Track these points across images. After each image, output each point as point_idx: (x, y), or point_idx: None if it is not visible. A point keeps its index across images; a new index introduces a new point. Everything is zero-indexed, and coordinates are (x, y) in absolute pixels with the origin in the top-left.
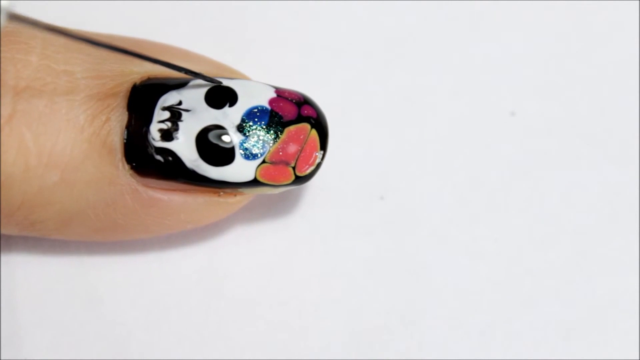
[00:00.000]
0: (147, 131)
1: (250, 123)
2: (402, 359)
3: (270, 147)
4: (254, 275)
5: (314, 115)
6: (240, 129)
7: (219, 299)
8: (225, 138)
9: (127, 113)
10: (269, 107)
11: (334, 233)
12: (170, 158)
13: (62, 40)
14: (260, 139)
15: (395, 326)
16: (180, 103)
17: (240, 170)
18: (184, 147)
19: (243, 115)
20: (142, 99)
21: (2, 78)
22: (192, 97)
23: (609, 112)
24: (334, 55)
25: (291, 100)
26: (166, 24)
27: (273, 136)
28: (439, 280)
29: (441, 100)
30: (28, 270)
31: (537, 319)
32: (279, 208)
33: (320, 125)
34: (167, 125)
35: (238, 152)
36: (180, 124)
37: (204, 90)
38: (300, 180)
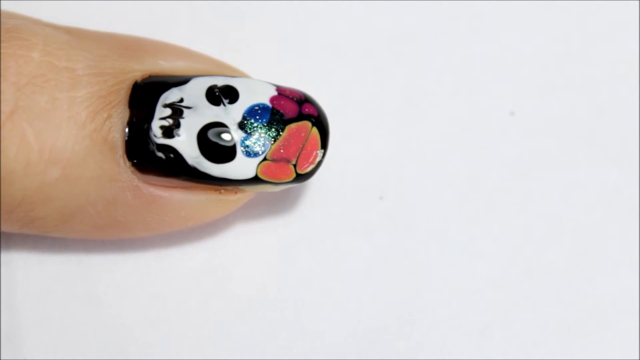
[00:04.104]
0: (149, 128)
1: (252, 120)
2: (402, 359)
3: (272, 144)
4: (253, 275)
5: (315, 114)
6: (242, 126)
7: (218, 298)
8: (226, 135)
9: (128, 110)
10: (270, 105)
11: (333, 233)
12: (171, 155)
13: (64, 37)
14: (261, 136)
15: (395, 326)
16: (181, 100)
17: (241, 167)
18: (186, 144)
19: (244, 113)
20: (143, 96)
21: (3, 74)
22: (194, 94)
23: (609, 112)
24: (334, 55)
25: (292, 99)
26: (166, 23)
27: (274, 134)
28: (438, 280)
29: (441, 100)
30: (28, 270)
31: (537, 319)
32: (278, 207)
33: (321, 124)
34: (168, 122)
35: (239, 150)
36: (181, 121)
37: (206, 87)
38: (301, 178)
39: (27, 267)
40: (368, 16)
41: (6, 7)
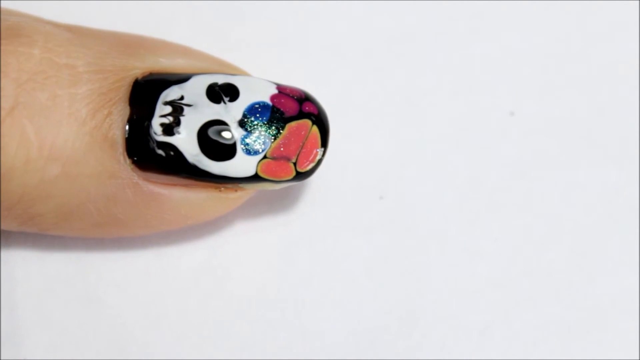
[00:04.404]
0: (149, 125)
1: (252, 118)
2: (402, 359)
3: (272, 142)
4: (253, 274)
5: (315, 112)
6: (242, 124)
7: (218, 297)
8: (226, 133)
9: (128, 107)
10: (270, 103)
11: (333, 232)
12: (171, 152)
13: (64, 34)
14: (261, 134)
15: (395, 326)
16: (182, 98)
17: (241, 165)
18: (186, 141)
19: (244, 111)
20: (144, 93)
21: (4, 70)
22: (194, 92)
23: (609, 112)
24: (334, 55)
25: (292, 97)
26: (166, 23)
27: (274, 132)
28: (438, 280)
29: (441, 100)
30: (27, 269)
31: (537, 319)
32: (278, 206)
33: (321, 122)
34: (168, 119)
35: (239, 148)
36: (182, 118)
37: (206, 85)
38: (301, 176)
39: (26, 266)
40: (368, 16)
41: (7, 6)
